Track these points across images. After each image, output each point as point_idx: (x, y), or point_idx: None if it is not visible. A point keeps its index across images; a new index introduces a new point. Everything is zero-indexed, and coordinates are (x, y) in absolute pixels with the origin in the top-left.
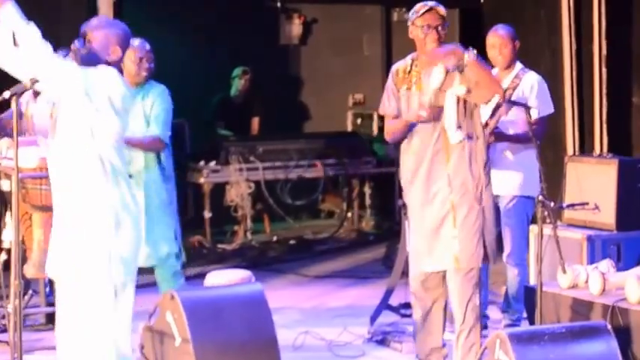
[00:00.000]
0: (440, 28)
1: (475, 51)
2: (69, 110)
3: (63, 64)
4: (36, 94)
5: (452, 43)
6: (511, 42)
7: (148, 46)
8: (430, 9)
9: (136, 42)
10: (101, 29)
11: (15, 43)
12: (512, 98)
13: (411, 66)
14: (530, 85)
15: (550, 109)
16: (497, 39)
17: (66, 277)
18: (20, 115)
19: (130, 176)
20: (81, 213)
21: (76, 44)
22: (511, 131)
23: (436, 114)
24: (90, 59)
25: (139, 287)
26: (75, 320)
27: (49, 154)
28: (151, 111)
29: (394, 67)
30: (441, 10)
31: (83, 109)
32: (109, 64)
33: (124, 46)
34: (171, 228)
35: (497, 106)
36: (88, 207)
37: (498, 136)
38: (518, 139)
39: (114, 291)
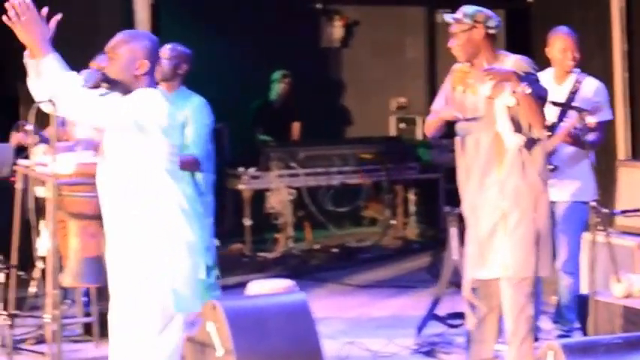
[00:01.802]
0: (456, 38)
1: (527, 90)
2: (117, 138)
3: (106, 103)
4: None
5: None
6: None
7: (173, 47)
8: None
9: (167, 45)
10: (125, 45)
11: (54, 95)
12: (574, 103)
13: (470, 68)
14: (592, 89)
15: (610, 115)
16: (571, 42)
17: (117, 302)
18: (63, 122)
19: None
20: (131, 239)
21: (100, 62)
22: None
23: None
24: (115, 83)
25: None
26: (123, 345)
27: (98, 176)
28: (188, 125)
29: (454, 66)
30: (454, 17)
31: (131, 136)
32: (136, 78)
33: (153, 58)
34: (204, 241)
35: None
36: (138, 233)
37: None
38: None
39: (162, 321)
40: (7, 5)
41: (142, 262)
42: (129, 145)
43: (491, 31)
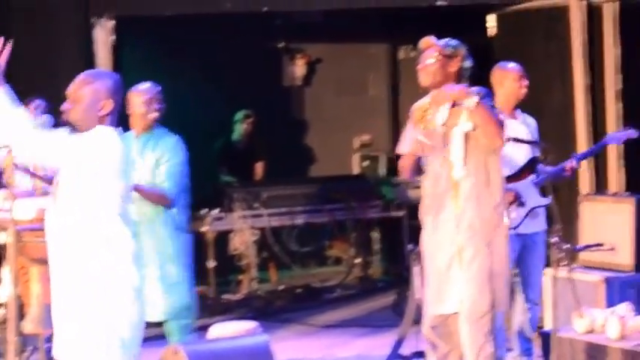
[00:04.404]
0: (429, 62)
1: (477, 99)
2: (68, 179)
3: (56, 141)
4: None
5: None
6: None
7: (155, 88)
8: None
9: (142, 86)
10: (87, 85)
11: (2, 131)
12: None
13: (429, 104)
14: (533, 125)
15: None
16: (521, 70)
17: (64, 350)
18: None
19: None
20: (78, 285)
21: (64, 108)
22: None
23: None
24: (79, 125)
25: (144, 340)
26: None
27: (48, 218)
28: (162, 162)
29: (413, 106)
30: (423, 42)
31: (82, 177)
32: (102, 119)
33: (116, 96)
34: (184, 280)
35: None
36: (85, 278)
37: None
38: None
39: None
40: None
41: (88, 308)
42: (81, 187)
43: (464, 71)
